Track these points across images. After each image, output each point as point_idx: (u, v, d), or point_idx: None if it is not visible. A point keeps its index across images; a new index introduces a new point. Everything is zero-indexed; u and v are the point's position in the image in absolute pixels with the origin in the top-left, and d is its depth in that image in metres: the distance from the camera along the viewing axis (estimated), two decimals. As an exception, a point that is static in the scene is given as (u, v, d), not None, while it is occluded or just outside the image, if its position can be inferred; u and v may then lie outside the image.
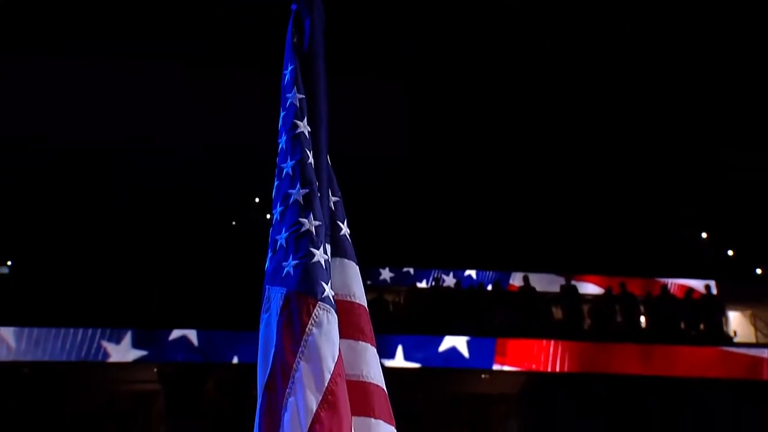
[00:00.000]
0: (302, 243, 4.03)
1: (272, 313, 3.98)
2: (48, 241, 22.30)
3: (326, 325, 3.88)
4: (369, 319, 4.26)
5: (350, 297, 4.20)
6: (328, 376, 3.80)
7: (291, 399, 3.79)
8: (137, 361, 21.20)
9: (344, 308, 4.11)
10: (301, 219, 4.11)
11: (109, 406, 21.95)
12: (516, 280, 25.16)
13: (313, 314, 3.89)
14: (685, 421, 22.87)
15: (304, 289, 3.94)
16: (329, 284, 3.99)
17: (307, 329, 3.87)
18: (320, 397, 3.76)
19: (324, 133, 4.47)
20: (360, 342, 4.14)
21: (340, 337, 3.96)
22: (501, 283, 25.01)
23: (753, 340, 25.19)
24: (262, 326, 4.01)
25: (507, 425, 24.28)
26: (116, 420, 22.13)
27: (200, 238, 23.31)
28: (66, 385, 21.23)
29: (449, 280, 25.26)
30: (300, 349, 3.85)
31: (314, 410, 3.73)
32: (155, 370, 21.94)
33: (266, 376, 3.91)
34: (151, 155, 26.28)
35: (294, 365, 3.84)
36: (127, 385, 22.09)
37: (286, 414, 3.78)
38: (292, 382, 3.81)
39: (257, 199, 25.77)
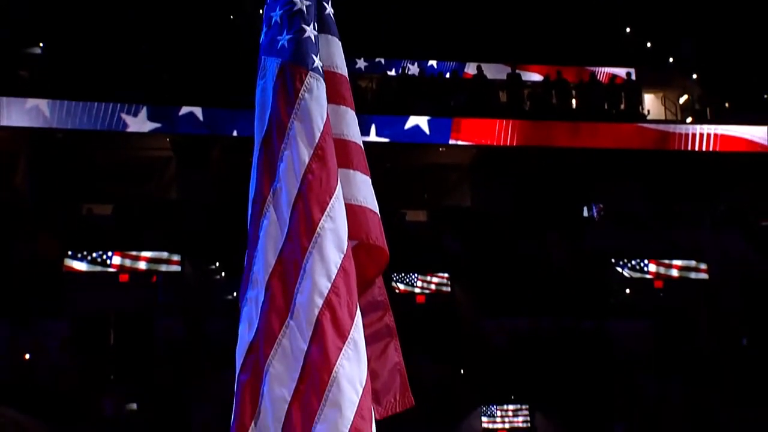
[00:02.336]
0: (295, 20, 3.98)
1: (268, 79, 3.98)
2: (76, 24, 22.04)
3: (316, 91, 3.88)
4: (349, 87, 4.22)
5: (334, 68, 4.12)
6: (318, 134, 3.83)
7: (287, 152, 3.83)
8: (152, 132, 21.44)
9: (329, 77, 4.05)
10: None
11: (130, 167, 22.27)
12: (470, 69, 25.24)
13: (305, 82, 3.88)
14: (605, 190, 23.45)
15: (297, 60, 3.92)
16: (318, 56, 3.97)
17: (300, 94, 3.87)
18: (312, 152, 3.81)
19: None
20: (341, 106, 4.10)
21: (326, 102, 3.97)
22: (458, 72, 25.19)
23: (663, 117, 25.60)
24: (258, 91, 4.00)
25: (459, 189, 24.84)
26: (135, 180, 22.51)
27: (205, 27, 23.09)
28: (93, 149, 21.51)
29: (414, 69, 25.35)
30: (294, 111, 3.87)
31: (306, 162, 3.79)
32: (168, 140, 22.18)
33: (263, 132, 3.93)
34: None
35: (288, 125, 3.86)
36: (145, 151, 22.36)
37: (281, 165, 3.83)
38: (287, 139, 3.84)
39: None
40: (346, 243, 3.67)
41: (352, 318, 3.61)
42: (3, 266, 16.99)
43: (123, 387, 16.40)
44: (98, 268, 17.99)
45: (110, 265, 18.12)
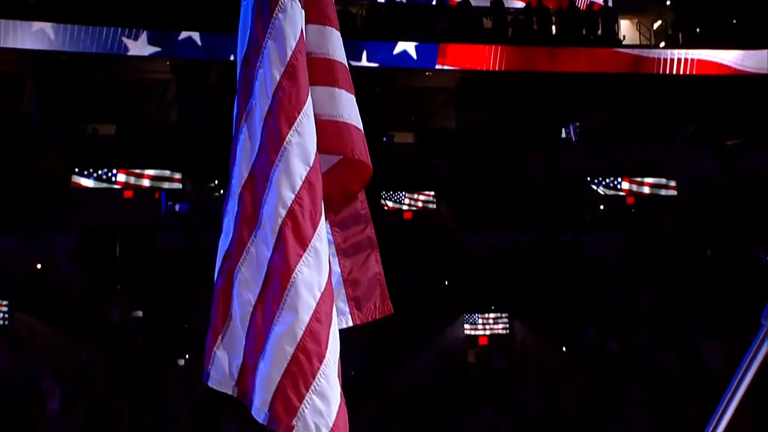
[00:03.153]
0: None
1: (249, 0, 3.89)
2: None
3: (290, 11, 3.79)
4: (335, 8, 4.10)
5: None
6: (290, 53, 3.75)
7: (260, 71, 3.77)
8: (152, 56, 21.39)
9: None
10: None
11: (132, 89, 22.25)
12: (456, -5, 25.15)
13: (280, 2, 3.79)
14: (582, 112, 23.53)
15: None
16: None
17: (274, 14, 3.78)
18: (283, 69, 3.74)
19: None
20: (327, 27, 3.98)
21: (310, 22, 3.89)
22: (444, -1, 25.13)
23: (637, 42, 25.59)
24: (241, 12, 3.92)
25: (445, 112, 24.90)
26: (137, 102, 22.51)
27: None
28: (96, 71, 21.45)
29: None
30: (268, 31, 3.79)
31: (278, 79, 3.73)
32: (168, 63, 22.13)
33: (243, 53, 3.86)
34: None
35: (263, 44, 3.79)
36: (146, 74, 22.33)
37: (256, 83, 3.77)
38: (261, 58, 3.78)
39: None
40: (313, 157, 3.67)
41: (315, 228, 3.62)
42: (14, 183, 17.08)
43: (129, 296, 16.58)
44: (104, 185, 18.09)
45: (115, 182, 18.20)
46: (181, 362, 15.48)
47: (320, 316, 3.53)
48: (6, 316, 14.86)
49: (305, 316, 3.51)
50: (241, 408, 11.32)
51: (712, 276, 17.74)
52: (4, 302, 14.87)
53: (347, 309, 3.93)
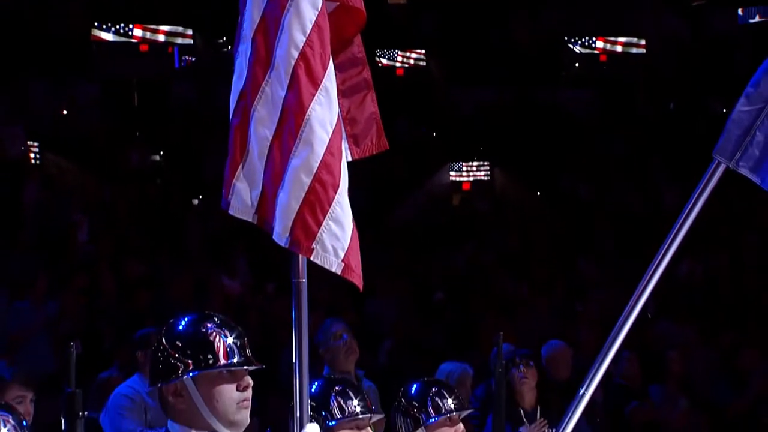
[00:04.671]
0: None
1: None
2: None
3: None
4: None
5: None
6: None
7: None
8: None
9: None
10: None
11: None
12: None
13: None
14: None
15: None
16: None
17: None
18: None
19: None
20: None
21: None
22: None
23: None
24: None
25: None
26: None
27: None
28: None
29: None
30: None
31: None
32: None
33: None
34: None
35: None
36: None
37: None
38: None
39: None
40: (320, 2, 3.62)
41: (325, 69, 3.60)
42: (39, 36, 16.86)
43: (146, 142, 16.65)
44: (122, 39, 17.91)
45: (132, 37, 18.02)
46: (195, 202, 15.67)
47: (333, 150, 3.57)
48: (37, 156, 14.97)
49: (320, 150, 3.53)
50: (250, 243, 11.51)
51: (675, 127, 17.81)
52: (35, 143, 14.97)
53: (346, 145, 3.94)
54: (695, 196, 3.83)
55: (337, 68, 3.89)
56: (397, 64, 20.43)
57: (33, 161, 14.74)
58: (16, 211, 11.87)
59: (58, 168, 14.73)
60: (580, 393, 3.85)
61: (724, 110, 15.91)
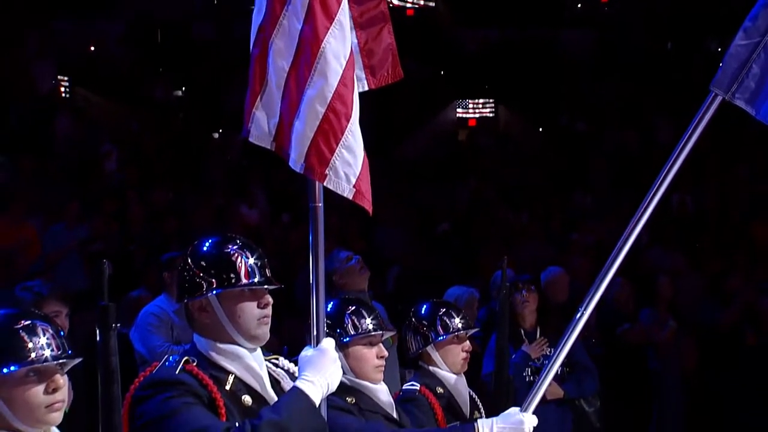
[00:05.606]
0: None
1: None
2: None
3: None
4: None
5: None
6: None
7: None
8: None
9: None
10: None
11: None
12: None
13: None
14: None
15: None
16: None
17: None
18: None
19: None
20: None
21: None
22: None
23: None
24: None
25: None
26: None
27: None
28: None
29: None
30: None
31: None
32: None
33: None
34: None
35: None
36: None
37: None
38: None
39: None
40: None
41: (339, 3, 3.55)
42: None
43: (169, 77, 16.57)
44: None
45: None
46: (216, 136, 15.65)
47: (346, 81, 3.53)
48: (67, 89, 14.93)
49: (333, 81, 3.49)
50: (268, 176, 11.47)
51: (672, 66, 17.59)
52: (65, 78, 14.91)
53: (363, 75, 3.94)
54: (691, 128, 3.80)
55: (355, 1, 3.87)
56: (407, 5, 20.20)
57: (63, 95, 14.70)
58: (49, 142, 11.89)
59: (87, 102, 14.70)
60: (578, 314, 3.87)
61: (720, 49, 15.69)
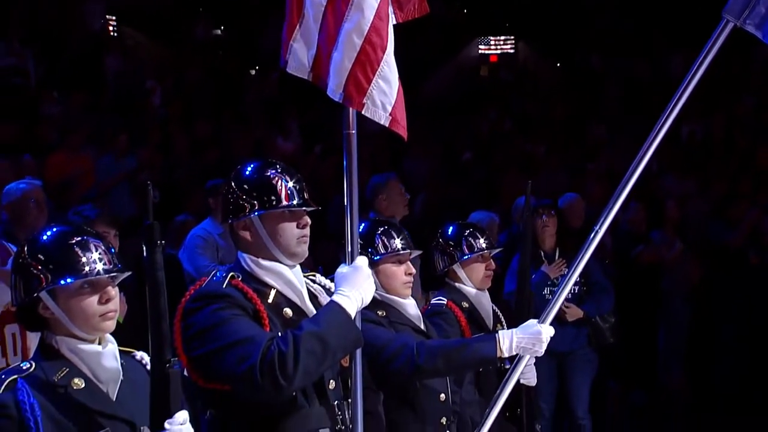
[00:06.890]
0: None
1: None
2: None
3: None
4: None
5: None
6: None
7: None
8: None
9: None
10: None
11: None
12: None
13: None
14: None
15: None
16: None
17: None
18: None
19: None
20: None
21: None
22: None
23: None
24: None
25: None
26: None
27: None
28: None
29: None
30: None
31: None
32: None
33: None
34: None
35: None
36: None
37: None
38: None
39: None
40: None
41: None
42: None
43: (209, 17, 16.43)
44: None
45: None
46: (253, 72, 15.57)
47: (381, 15, 3.50)
48: (115, 29, 14.84)
49: (369, 15, 3.46)
50: (301, 109, 11.38)
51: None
52: (113, 18, 14.82)
53: (392, 10, 3.79)
54: (703, 55, 3.70)
55: None
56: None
57: (111, 34, 14.63)
58: (99, 79, 11.89)
59: (134, 40, 14.63)
60: (593, 233, 3.87)
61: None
